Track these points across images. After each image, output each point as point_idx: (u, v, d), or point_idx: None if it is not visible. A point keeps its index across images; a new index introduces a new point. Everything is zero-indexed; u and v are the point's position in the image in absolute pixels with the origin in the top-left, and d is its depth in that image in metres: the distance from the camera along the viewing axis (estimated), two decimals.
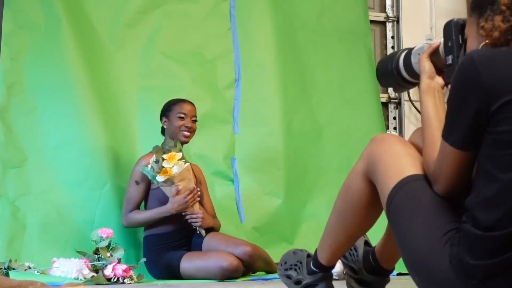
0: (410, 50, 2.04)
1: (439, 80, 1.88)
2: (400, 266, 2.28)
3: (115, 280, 3.32)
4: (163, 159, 3.59)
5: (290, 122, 4.53)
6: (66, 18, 4.06)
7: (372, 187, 1.91)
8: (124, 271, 3.35)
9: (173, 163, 3.59)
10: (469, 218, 1.64)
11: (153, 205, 3.74)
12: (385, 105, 5.13)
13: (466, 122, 1.62)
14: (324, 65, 4.71)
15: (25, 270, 3.37)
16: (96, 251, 3.46)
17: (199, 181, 3.90)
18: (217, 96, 4.44)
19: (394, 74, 2.07)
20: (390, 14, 5.21)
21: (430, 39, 1.92)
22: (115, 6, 4.26)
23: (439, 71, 1.90)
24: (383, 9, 5.24)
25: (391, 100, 5.17)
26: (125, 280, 3.33)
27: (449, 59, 1.86)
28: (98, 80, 4.12)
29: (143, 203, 3.83)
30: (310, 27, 4.73)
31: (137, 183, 3.74)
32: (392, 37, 5.21)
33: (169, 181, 3.60)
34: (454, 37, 1.82)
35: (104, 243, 3.46)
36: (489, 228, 1.58)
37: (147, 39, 4.31)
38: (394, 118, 5.17)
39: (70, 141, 3.97)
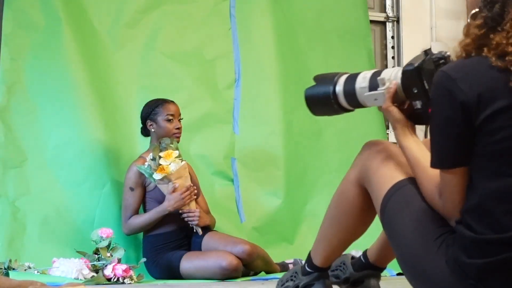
0: (351, 78, 2.00)
1: (410, 122, 1.87)
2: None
3: (115, 280, 3.32)
4: (160, 157, 3.60)
5: (290, 122, 4.52)
6: (66, 18, 4.06)
7: (365, 193, 1.92)
8: (124, 271, 3.35)
9: (170, 161, 3.60)
10: (462, 220, 1.64)
11: (152, 207, 3.74)
12: None
13: (456, 135, 1.62)
14: (324, 65, 4.70)
15: (25, 270, 3.37)
16: (96, 251, 3.46)
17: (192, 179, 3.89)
18: (217, 96, 4.43)
19: (332, 102, 2.02)
20: (390, 14, 5.21)
21: (383, 85, 1.90)
22: (115, 6, 4.26)
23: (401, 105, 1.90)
24: (383, 9, 5.24)
25: None
26: (125, 280, 3.33)
27: (417, 104, 1.85)
28: (98, 80, 4.12)
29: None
30: (310, 27, 4.73)
31: (132, 189, 3.73)
32: (392, 37, 5.21)
33: (166, 179, 3.61)
34: (419, 83, 1.79)
35: (104, 243, 3.46)
36: (480, 232, 1.59)
37: (147, 39, 4.31)
38: None
39: (70, 141, 3.97)
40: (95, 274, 3.34)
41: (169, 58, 4.34)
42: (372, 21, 5.06)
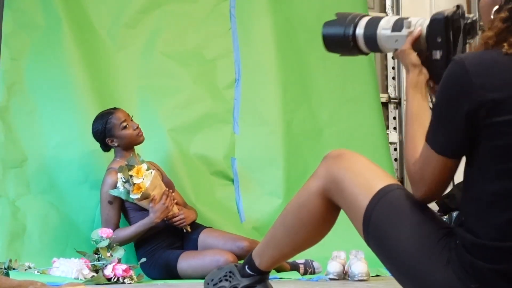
0: (374, 21, 1.97)
1: (425, 72, 1.83)
2: None
3: (115, 280, 3.32)
4: (132, 176, 3.56)
5: (290, 122, 4.52)
6: (66, 18, 4.06)
7: (328, 204, 1.88)
8: (124, 271, 3.34)
9: (143, 176, 3.56)
10: (463, 223, 1.63)
11: (133, 215, 3.71)
12: (385, 105, 5.13)
13: (454, 129, 1.58)
14: (324, 65, 4.70)
15: (25, 270, 3.37)
16: (96, 251, 3.46)
17: (162, 175, 3.85)
18: (217, 96, 4.44)
19: (350, 44, 2.01)
20: (390, 14, 5.21)
21: (408, 28, 1.87)
22: (115, 6, 4.27)
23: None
24: (383, 9, 5.24)
25: (391, 100, 5.17)
26: (125, 280, 3.33)
27: (437, 54, 1.82)
28: (98, 80, 4.12)
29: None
30: (310, 27, 4.72)
31: (110, 203, 3.67)
32: None
33: (144, 195, 3.57)
34: (444, 34, 1.76)
35: (104, 243, 3.45)
36: (481, 236, 1.58)
37: (147, 39, 4.31)
38: (394, 118, 5.17)
39: (70, 141, 3.98)
40: (95, 274, 3.34)
41: (169, 58, 4.34)
42: None
